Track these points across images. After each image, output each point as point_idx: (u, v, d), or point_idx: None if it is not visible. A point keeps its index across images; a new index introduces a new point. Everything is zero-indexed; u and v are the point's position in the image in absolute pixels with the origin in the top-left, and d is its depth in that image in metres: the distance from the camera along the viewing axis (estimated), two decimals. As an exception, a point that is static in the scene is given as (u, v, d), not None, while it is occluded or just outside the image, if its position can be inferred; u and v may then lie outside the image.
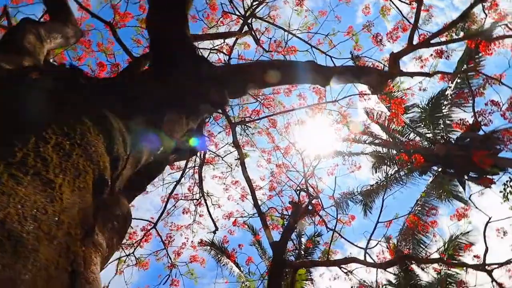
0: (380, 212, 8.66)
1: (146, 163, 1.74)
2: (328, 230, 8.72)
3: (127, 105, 1.28)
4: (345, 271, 6.27)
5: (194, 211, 9.46)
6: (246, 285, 8.40)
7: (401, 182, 10.43)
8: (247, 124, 8.26)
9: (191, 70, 1.69)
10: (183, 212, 9.32)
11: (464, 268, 8.54)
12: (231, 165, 9.97)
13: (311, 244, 11.20)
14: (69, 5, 3.09)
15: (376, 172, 11.61)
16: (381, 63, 6.34)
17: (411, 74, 4.82)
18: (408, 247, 9.61)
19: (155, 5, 1.96)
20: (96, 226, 1.40)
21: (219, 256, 9.77)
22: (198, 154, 8.72)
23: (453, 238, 9.63)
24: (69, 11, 2.95)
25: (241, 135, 9.92)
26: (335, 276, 8.76)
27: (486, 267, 6.18)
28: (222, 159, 9.86)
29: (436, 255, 7.92)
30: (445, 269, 10.14)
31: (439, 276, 10.32)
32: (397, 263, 5.92)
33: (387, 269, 8.21)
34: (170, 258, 8.64)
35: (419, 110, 11.17)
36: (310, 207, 9.21)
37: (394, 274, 9.58)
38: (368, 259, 6.15)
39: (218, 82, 1.74)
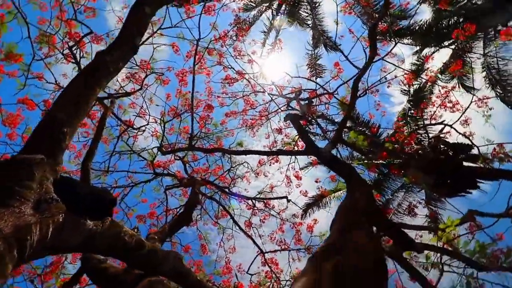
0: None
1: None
2: (335, 93, 8.76)
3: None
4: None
5: (269, 212, 9.64)
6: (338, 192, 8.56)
7: None
8: (201, 134, 8.30)
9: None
10: (262, 222, 9.48)
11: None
12: (244, 162, 10.06)
13: (346, 112, 11.15)
14: None
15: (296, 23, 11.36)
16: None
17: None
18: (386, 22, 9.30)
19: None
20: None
21: (318, 206, 9.90)
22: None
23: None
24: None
25: (215, 139, 9.97)
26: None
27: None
28: (231, 169, 9.95)
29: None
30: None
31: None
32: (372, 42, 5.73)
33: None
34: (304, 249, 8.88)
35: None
36: (305, 102, 9.17)
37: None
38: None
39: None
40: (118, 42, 2.89)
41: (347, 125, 10.25)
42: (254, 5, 10.57)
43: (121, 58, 2.81)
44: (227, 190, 9.09)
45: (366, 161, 6.61)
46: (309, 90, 9.85)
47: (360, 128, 9.48)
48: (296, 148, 8.30)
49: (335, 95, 8.90)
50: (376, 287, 1.53)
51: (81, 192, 2.03)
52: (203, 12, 6.61)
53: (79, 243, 1.83)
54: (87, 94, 2.38)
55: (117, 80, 8.49)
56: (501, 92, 10.49)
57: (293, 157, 9.49)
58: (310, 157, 10.15)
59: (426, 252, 6.58)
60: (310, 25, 10.78)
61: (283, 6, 10.78)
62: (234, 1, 7.48)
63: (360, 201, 2.91)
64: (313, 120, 8.72)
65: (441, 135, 8.75)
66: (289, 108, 9.37)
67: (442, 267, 7.08)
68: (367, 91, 6.67)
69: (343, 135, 7.57)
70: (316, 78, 10.20)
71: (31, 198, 1.62)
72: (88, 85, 2.40)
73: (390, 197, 10.56)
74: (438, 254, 7.26)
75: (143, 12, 3.18)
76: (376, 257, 1.84)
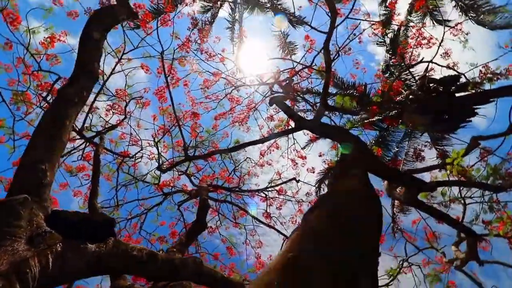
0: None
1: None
2: (313, 65, 8.75)
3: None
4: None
5: (284, 198, 9.72)
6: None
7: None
8: (196, 143, 8.36)
9: None
10: (279, 209, 9.55)
11: None
12: (246, 158, 10.11)
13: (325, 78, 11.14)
14: None
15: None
16: None
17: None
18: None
19: None
20: None
21: (328, 178, 9.93)
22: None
23: None
24: None
25: (211, 144, 10.02)
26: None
27: None
28: (236, 169, 9.99)
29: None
30: None
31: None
32: None
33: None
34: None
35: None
36: (287, 82, 9.17)
37: None
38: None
39: None
40: (75, 74, 2.92)
41: (335, 92, 10.25)
42: (210, 4, 10.56)
43: (82, 87, 2.85)
44: (237, 189, 9.15)
45: (359, 121, 6.61)
46: (288, 70, 9.83)
47: (348, 91, 9.45)
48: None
49: (313, 67, 8.88)
50: (367, 229, 1.55)
51: (76, 220, 2.08)
52: (160, 25, 6.63)
53: (84, 266, 1.87)
54: (58, 129, 2.42)
55: (100, 116, 8.56)
56: (474, 15, 10.38)
57: (292, 139, 9.52)
58: (307, 134, 10.17)
59: (441, 189, 6.58)
60: (270, 7, 10.75)
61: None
62: (187, 5, 7.47)
63: (350, 155, 2.92)
64: (299, 98, 8.71)
65: (427, 74, 8.70)
66: (273, 92, 9.36)
67: (464, 200, 7.06)
68: (339, 52, 6.66)
69: (331, 103, 7.56)
70: (290, 56, 10.18)
71: (23, 235, 1.67)
72: (56, 121, 2.44)
73: (396, 149, 10.55)
74: (457, 189, 7.24)
75: (92, 39, 3.20)
76: (366, 201, 1.85)
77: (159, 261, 2.67)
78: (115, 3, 4.17)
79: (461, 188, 7.07)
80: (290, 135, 9.50)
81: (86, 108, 7.68)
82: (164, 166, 7.84)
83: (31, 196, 1.91)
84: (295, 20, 10.61)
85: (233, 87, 9.82)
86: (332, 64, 6.24)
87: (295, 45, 10.28)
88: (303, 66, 9.11)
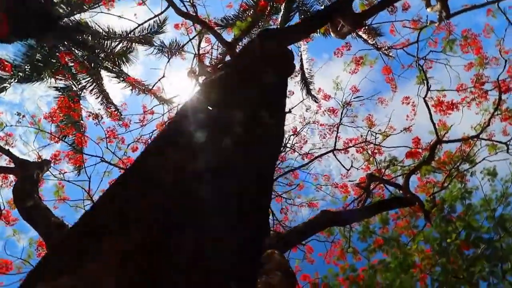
0: None
1: None
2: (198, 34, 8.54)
3: None
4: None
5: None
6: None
7: None
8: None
9: None
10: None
11: None
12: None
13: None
14: None
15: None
16: None
17: None
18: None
19: None
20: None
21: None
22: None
23: None
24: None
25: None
26: None
27: None
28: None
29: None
30: None
31: None
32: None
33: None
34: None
35: None
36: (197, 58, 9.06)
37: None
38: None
39: None
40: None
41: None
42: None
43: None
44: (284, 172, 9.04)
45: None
46: (195, 56, 9.67)
47: (240, 19, 9.25)
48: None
49: (199, 35, 8.69)
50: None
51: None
52: (81, 148, 6.67)
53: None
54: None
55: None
56: None
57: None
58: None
59: None
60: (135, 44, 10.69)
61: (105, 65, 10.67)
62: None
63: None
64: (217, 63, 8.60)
65: None
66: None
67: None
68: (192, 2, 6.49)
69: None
70: (181, 50, 10.05)
71: None
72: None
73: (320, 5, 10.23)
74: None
75: (32, 208, 3.28)
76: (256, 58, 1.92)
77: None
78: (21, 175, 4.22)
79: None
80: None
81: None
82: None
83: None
84: (156, 29, 10.50)
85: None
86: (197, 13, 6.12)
87: (174, 40, 10.18)
88: (197, 42, 8.93)
